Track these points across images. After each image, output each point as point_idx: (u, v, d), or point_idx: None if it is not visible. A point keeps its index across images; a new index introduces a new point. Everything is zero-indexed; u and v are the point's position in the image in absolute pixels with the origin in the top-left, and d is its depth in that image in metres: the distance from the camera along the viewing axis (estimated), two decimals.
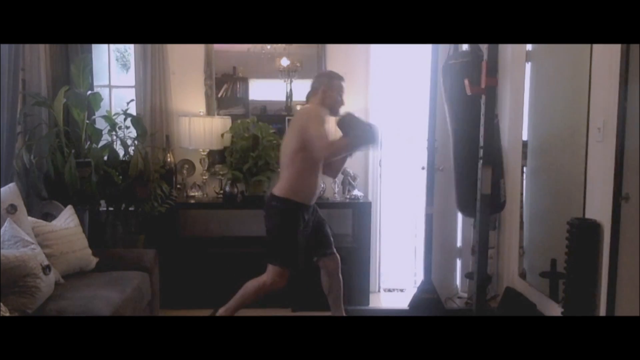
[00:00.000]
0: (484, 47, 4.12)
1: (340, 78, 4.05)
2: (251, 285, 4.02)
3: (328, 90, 4.01)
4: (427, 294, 4.83)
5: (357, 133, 3.86)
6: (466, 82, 4.23)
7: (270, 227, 3.99)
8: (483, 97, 4.06)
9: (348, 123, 3.90)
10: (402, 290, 5.63)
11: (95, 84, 5.28)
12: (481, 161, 4.10)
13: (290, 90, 5.37)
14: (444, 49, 4.62)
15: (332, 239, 4.23)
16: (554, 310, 3.96)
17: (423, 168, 4.89)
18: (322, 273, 4.25)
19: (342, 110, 4.06)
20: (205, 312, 4.22)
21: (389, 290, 5.65)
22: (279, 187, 3.93)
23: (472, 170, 4.24)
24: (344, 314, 4.31)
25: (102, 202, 4.90)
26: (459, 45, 4.52)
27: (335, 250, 4.23)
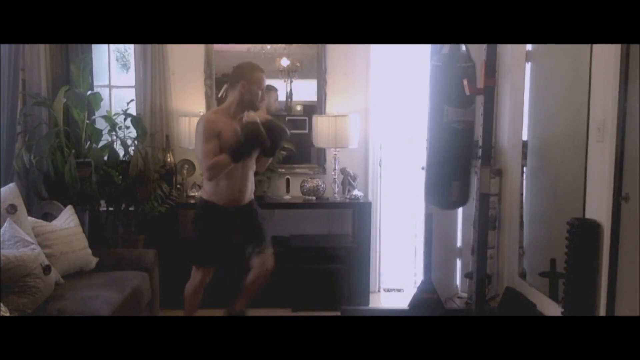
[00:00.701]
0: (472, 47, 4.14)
1: (260, 70, 3.86)
2: (186, 289, 4.09)
3: (248, 85, 3.80)
4: (427, 294, 4.82)
5: (254, 140, 3.73)
6: (465, 82, 4.23)
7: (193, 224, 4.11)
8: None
9: (249, 130, 3.73)
10: (401, 291, 5.63)
11: (95, 84, 5.28)
12: (480, 161, 4.10)
13: (290, 90, 5.37)
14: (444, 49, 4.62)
15: (264, 239, 4.10)
16: (554, 310, 3.96)
17: (423, 168, 4.88)
18: (251, 271, 4.12)
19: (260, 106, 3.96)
20: (205, 312, 4.22)
21: (389, 290, 5.65)
22: (202, 190, 4.01)
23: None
24: (243, 311, 4.22)
25: (102, 202, 4.90)
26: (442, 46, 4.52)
27: (268, 251, 4.09)
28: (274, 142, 3.85)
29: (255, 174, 4.12)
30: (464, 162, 4.59)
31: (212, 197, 3.89)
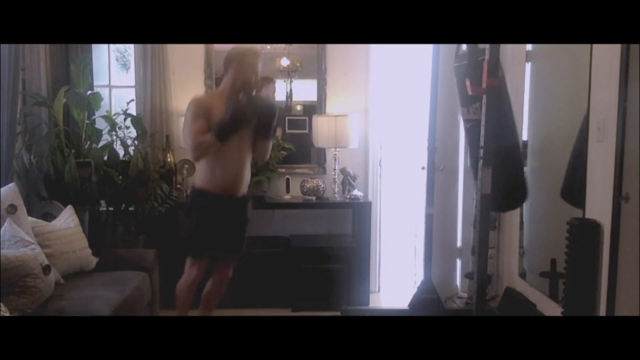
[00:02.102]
0: (484, 47, 4.12)
1: (254, 54, 3.75)
2: (179, 285, 3.99)
3: (239, 70, 3.72)
4: (427, 294, 4.82)
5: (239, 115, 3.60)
6: (467, 82, 4.23)
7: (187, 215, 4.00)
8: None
9: (232, 107, 3.61)
10: (402, 291, 5.62)
11: (95, 84, 5.29)
12: (481, 161, 4.10)
13: (290, 90, 5.37)
14: (445, 49, 4.62)
15: (242, 244, 4.04)
16: (554, 310, 3.96)
17: (423, 168, 4.89)
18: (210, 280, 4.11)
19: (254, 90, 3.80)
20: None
21: (389, 290, 5.65)
22: (195, 177, 3.92)
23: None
24: (209, 313, 4.18)
25: (102, 202, 4.90)
26: (460, 46, 4.53)
27: (235, 259, 4.08)
28: (262, 119, 3.71)
29: (259, 169, 4.07)
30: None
31: (204, 185, 3.76)
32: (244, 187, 3.88)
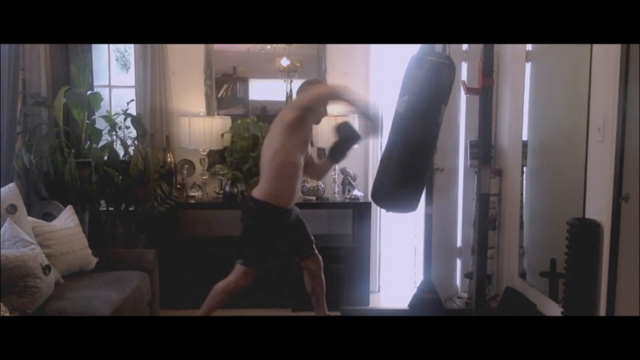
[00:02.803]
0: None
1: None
2: (218, 286, 4.00)
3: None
4: (427, 293, 4.82)
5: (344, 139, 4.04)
6: (463, 82, 4.24)
7: (244, 227, 3.98)
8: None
9: (343, 131, 4.04)
10: (402, 291, 5.62)
11: (95, 84, 5.28)
12: (480, 161, 4.10)
13: (290, 90, 5.37)
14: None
15: (312, 239, 4.18)
16: (554, 310, 3.96)
17: None
18: (305, 274, 4.24)
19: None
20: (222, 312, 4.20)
21: (389, 290, 5.65)
22: (259, 190, 3.90)
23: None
24: (327, 313, 4.30)
25: (102, 202, 4.90)
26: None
27: (316, 251, 4.19)
28: (348, 144, 4.08)
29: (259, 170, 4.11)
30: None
31: (268, 198, 3.84)
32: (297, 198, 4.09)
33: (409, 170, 4.03)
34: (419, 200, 4.15)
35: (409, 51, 5.28)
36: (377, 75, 5.39)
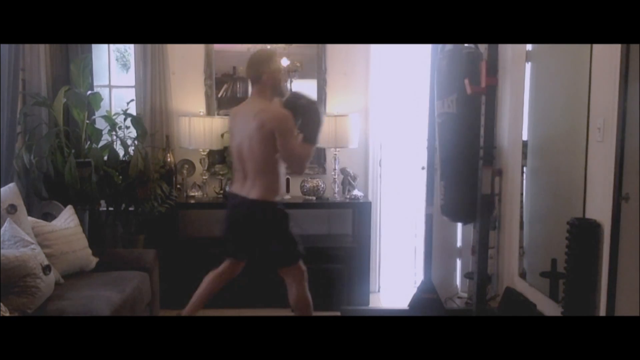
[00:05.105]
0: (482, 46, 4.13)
1: (276, 54, 3.85)
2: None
3: (274, 73, 3.73)
4: (427, 293, 4.82)
5: (306, 115, 3.70)
6: (466, 81, 4.23)
7: (278, 232, 3.80)
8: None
9: (295, 104, 3.71)
10: (402, 291, 5.62)
11: (95, 84, 5.29)
12: (481, 161, 4.10)
13: (290, 90, 5.36)
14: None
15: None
16: (554, 310, 3.96)
17: (423, 168, 4.89)
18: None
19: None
20: (204, 313, 4.21)
21: (389, 290, 5.64)
22: (267, 192, 3.70)
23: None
24: None
25: (102, 202, 4.90)
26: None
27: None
28: (311, 120, 3.76)
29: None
30: None
31: (274, 197, 3.73)
32: None
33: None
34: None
35: (409, 50, 5.32)
36: (377, 75, 5.39)
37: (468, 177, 4.43)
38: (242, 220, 3.79)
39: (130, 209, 4.93)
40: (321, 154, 5.48)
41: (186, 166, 5.27)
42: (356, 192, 5.21)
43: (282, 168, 3.75)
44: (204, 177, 5.25)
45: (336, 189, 5.24)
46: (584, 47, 3.62)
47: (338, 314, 4.68)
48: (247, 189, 3.71)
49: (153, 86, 5.17)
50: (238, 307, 4.73)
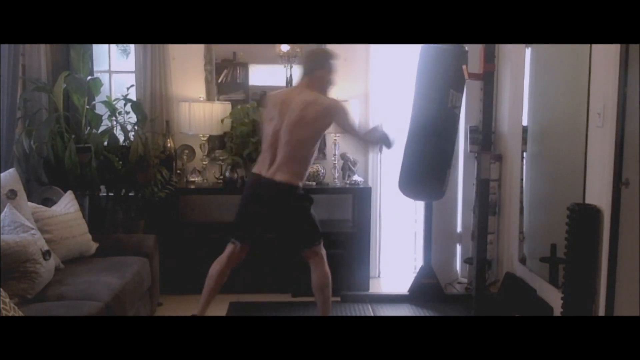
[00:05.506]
0: None
1: (335, 57, 4.05)
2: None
3: (329, 74, 4.01)
4: (427, 279, 4.84)
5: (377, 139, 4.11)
6: (464, 67, 4.23)
7: (302, 215, 3.91)
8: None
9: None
10: (402, 276, 5.63)
11: (95, 69, 5.27)
12: (480, 147, 4.10)
13: (290, 75, 5.35)
14: None
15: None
16: (554, 295, 3.97)
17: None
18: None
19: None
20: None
21: (389, 276, 5.65)
22: (294, 176, 3.80)
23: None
24: None
25: (102, 187, 4.90)
26: None
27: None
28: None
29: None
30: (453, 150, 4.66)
31: (299, 182, 3.83)
32: None
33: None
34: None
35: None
36: (377, 61, 5.38)
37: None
38: (266, 200, 3.84)
39: (131, 194, 4.93)
40: (321, 140, 5.46)
41: (186, 151, 5.27)
42: (356, 178, 5.21)
43: (313, 159, 3.91)
44: (204, 163, 5.24)
45: (336, 175, 5.24)
46: None
47: (338, 299, 4.69)
48: (273, 171, 3.79)
49: (153, 71, 5.15)
50: (239, 292, 4.75)
